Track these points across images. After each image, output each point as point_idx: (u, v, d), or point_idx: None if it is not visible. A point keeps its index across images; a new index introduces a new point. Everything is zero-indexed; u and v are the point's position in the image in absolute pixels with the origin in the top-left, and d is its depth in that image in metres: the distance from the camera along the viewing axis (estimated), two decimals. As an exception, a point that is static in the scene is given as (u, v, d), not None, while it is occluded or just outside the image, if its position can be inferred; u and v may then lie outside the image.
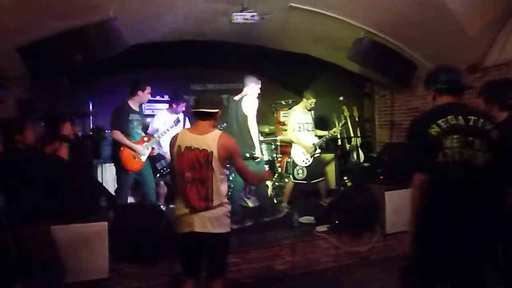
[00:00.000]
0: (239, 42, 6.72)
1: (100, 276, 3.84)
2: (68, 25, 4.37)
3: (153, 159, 5.61)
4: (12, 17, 4.01)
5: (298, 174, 6.09)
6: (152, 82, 5.36)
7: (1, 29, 4.10)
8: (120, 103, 5.12)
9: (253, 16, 4.86)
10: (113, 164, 5.33)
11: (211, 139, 2.94)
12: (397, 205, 5.00)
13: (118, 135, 4.96)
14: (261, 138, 5.43)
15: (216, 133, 2.99)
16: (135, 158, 5.08)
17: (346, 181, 7.18)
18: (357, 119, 7.40)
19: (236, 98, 5.37)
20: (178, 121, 5.72)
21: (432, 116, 2.44)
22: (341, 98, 7.01)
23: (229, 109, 5.43)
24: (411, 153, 2.58)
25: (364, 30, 5.66)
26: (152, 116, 6.94)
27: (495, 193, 2.39)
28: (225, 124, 5.95)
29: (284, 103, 8.02)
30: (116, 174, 5.25)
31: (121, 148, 5.00)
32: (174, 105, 6.11)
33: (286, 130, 6.69)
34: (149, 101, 6.27)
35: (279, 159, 7.35)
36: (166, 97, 7.66)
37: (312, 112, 6.31)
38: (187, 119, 6.40)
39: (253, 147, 5.13)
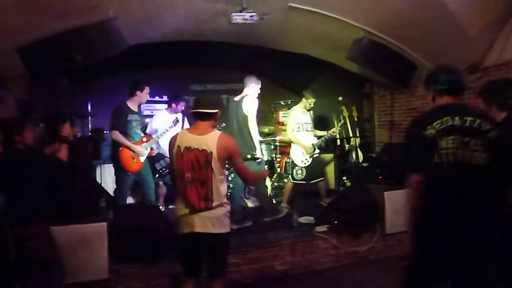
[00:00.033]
0: (238, 42, 6.72)
1: (100, 277, 3.83)
2: (68, 25, 4.37)
3: (152, 159, 5.61)
4: (12, 17, 4.00)
5: (297, 174, 6.09)
6: (151, 82, 5.36)
7: (1, 29, 4.10)
8: (119, 104, 5.12)
9: (252, 16, 4.86)
10: (112, 164, 5.33)
11: (210, 140, 2.94)
12: (397, 205, 4.99)
13: (117, 136, 4.96)
14: (261, 139, 5.43)
15: (215, 134, 2.99)
16: (134, 159, 5.08)
17: (345, 181, 7.19)
18: (356, 119, 7.41)
19: (236, 98, 5.37)
20: (177, 121, 5.72)
21: (429, 117, 2.45)
22: (340, 98, 7.01)
23: (229, 110, 5.42)
24: (407, 154, 2.60)
25: (363, 30, 5.66)
26: (151, 116, 6.95)
27: (494, 193, 2.38)
28: (223, 124, 5.95)
29: (283, 103, 8.02)
30: (115, 174, 5.24)
31: (120, 149, 5.00)
32: (173, 105, 6.11)
33: (285, 130, 6.69)
34: (148, 102, 6.28)
35: (278, 159, 7.35)
36: (165, 98, 7.66)
37: (311, 112, 6.31)
38: (186, 119, 6.40)
39: (254, 148, 5.13)
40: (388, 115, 7.66)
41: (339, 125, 6.55)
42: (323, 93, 7.11)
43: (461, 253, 2.34)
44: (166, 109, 6.31)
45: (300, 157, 6.08)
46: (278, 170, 7.27)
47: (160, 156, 5.79)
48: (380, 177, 5.59)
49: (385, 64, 5.99)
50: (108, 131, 5.29)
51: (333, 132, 6.37)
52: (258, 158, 5.11)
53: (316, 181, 6.21)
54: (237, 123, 5.26)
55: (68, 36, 4.40)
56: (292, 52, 7.26)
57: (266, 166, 6.71)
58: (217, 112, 3.07)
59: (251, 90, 5.28)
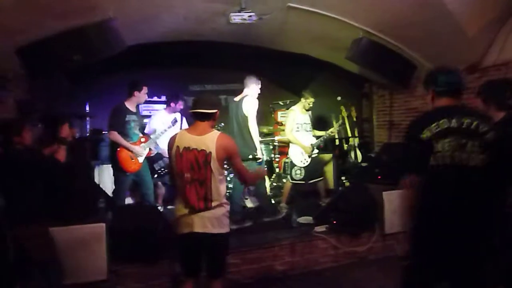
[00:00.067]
0: (237, 42, 6.72)
1: (98, 278, 3.82)
2: (68, 25, 4.37)
3: (151, 160, 5.60)
4: (12, 17, 4.00)
5: (296, 174, 6.08)
6: (150, 82, 5.35)
7: (1, 29, 4.09)
8: (117, 104, 5.11)
9: (250, 16, 4.85)
10: (111, 165, 5.31)
11: (209, 140, 2.94)
12: (396, 205, 4.99)
13: (115, 136, 4.95)
14: (260, 139, 5.43)
15: (214, 134, 2.99)
16: (132, 159, 5.07)
17: (344, 181, 7.19)
18: (355, 119, 7.41)
19: (237, 99, 5.36)
20: (175, 121, 5.71)
21: (426, 120, 2.47)
22: (339, 98, 7.01)
23: (229, 110, 5.42)
24: (404, 155, 2.64)
25: (362, 30, 5.66)
26: (150, 116, 6.94)
27: (493, 194, 2.39)
28: (222, 124, 5.95)
29: (282, 104, 8.02)
30: (114, 175, 5.22)
31: (119, 149, 4.99)
32: (172, 104, 6.09)
33: (284, 130, 6.69)
34: (147, 102, 6.26)
35: (277, 159, 7.35)
36: (163, 98, 7.65)
37: (310, 112, 6.31)
38: (184, 119, 6.39)
39: (255, 148, 5.13)
40: (387, 115, 7.66)
41: (337, 125, 6.55)
42: (322, 93, 7.10)
43: (460, 254, 2.34)
44: (164, 108, 6.30)
45: (299, 157, 6.07)
46: (277, 170, 7.26)
47: (158, 157, 5.78)
48: (379, 177, 5.60)
49: (384, 64, 5.99)
50: (106, 132, 5.27)
51: (332, 132, 6.36)
52: (259, 158, 5.11)
53: (315, 181, 6.21)
54: (237, 123, 5.26)
55: (68, 36, 4.39)
56: (291, 52, 7.25)
57: (265, 167, 6.71)
58: (216, 112, 3.06)
59: (251, 91, 5.28)
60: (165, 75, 7.44)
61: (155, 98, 7.74)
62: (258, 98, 5.32)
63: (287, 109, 6.95)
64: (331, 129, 6.38)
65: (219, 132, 3.04)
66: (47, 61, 4.45)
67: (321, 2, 5.22)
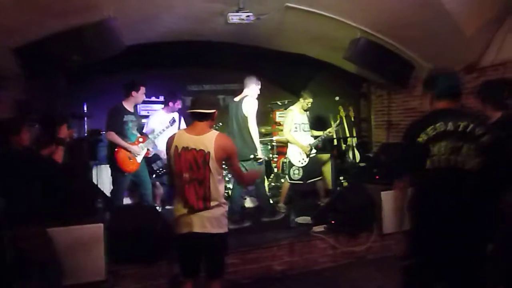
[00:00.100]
0: (235, 42, 6.71)
1: (97, 278, 3.82)
2: (67, 25, 4.36)
3: (149, 160, 5.59)
4: (12, 17, 3.99)
5: (294, 174, 6.08)
6: (148, 82, 5.34)
7: (0, 29, 4.08)
8: (115, 104, 5.11)
9: (248, 16, 4.86)
10: (109, 165, 5.30)
11: (208, 140, 2.94)
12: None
13: (113, 136, 4.94)
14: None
15: (213, 134, 2.99)
16: (130, 159, 5.06)
17: (342, 181, 7.19)
18: (353, 119, 7.41)
19: (236, 99, 5.36)
20: (173, 121, 5.70)
21: (424, 123, 2.49)
22: (337, 98, 7.01)
23: (229, 110, 5.42)
24: (401, 157, 2.69)
25: (360, 30, 5.65)
26: (148, 117, 6.92)
27: (490, 196, 2.39)
28: (220, 124, 5.94)
29: (280, 104, 8.01)
30: (112, 175, 5.21)
31: (117, 149, 4.98)
32: (170, 104, 6.07)
33: (282, 130, 6.69)
34: (145, 102, 6.25)
35: (275, 159, 7.34)
36: (162, 98, 7.63)
37: (308, 112, 6.31)
38: (182, 119, 6.38)
39: (255, 148, 5.13)
40: (385, 115, 7.67)
41: (335, 125, 6.55)
42: (320, 93, 7.09)
43: (458, 255, 2.35)
44: (162, 108, 6.29)
45: (297, 157, 6.07)
46: (275, 170, 7.26)
47: (157, 157, 5.77)
48: (377, 177, 5.60)
49: (382, 64, 5.99)
50: (104, 132, 5.27)
51: (330, 132, 6.36)
52: (260, 158, 5.11)
53: (313, 181, 6.21)
54: (237, 123, 5.25)
55: (66, 36, 4.38)
56: (289, 52, 7.26)
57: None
58: (214, 112, 3.07)
59: (251, 91, 5.28)
60: (163, 75, 7.41)
61: (153, 98, 7.71)
62: (256, 98, 5.32)
63: (285, 109, 6.95)
64: (329, 129, 6.38)
65: (218, 132, 3.05)
66: (45, 61, 4.44)
67: (319, 2, 5.22)
